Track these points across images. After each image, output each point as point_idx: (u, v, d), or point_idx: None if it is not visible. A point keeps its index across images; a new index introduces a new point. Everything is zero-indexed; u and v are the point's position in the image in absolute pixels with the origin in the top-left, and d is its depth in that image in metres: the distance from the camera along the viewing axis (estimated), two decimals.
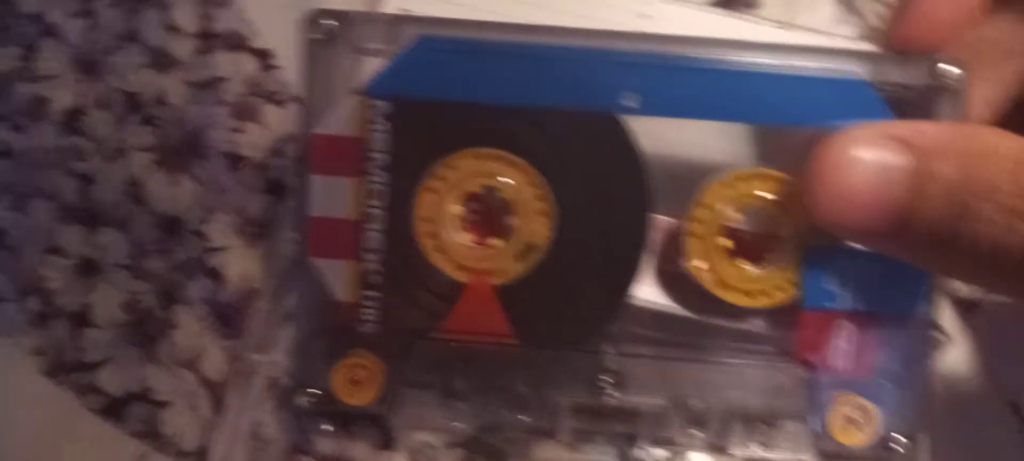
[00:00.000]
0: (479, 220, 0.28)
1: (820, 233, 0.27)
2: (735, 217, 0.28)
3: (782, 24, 0.34)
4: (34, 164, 0.34)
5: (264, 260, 0.33)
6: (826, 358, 0.28)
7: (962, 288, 0.32)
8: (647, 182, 0.28)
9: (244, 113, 0.34)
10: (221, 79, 0.35)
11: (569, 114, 0.27)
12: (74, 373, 0.33)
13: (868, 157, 0.23)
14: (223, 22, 0.35)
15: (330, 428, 0.31)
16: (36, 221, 0.34)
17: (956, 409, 0.32)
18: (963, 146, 0.23)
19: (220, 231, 0.34)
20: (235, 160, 0.34)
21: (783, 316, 0.28)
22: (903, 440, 0.28)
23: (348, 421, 0.31)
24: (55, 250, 0.34)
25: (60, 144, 0.34)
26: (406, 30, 0.27)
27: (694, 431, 0.28)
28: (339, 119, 0.28)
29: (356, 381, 0.28)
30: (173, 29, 0.35)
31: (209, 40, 0.35)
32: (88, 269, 0.34)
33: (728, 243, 0.28)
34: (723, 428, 0.28)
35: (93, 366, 0.33)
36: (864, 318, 0.28)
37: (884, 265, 0.27)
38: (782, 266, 0.28)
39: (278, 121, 0.34)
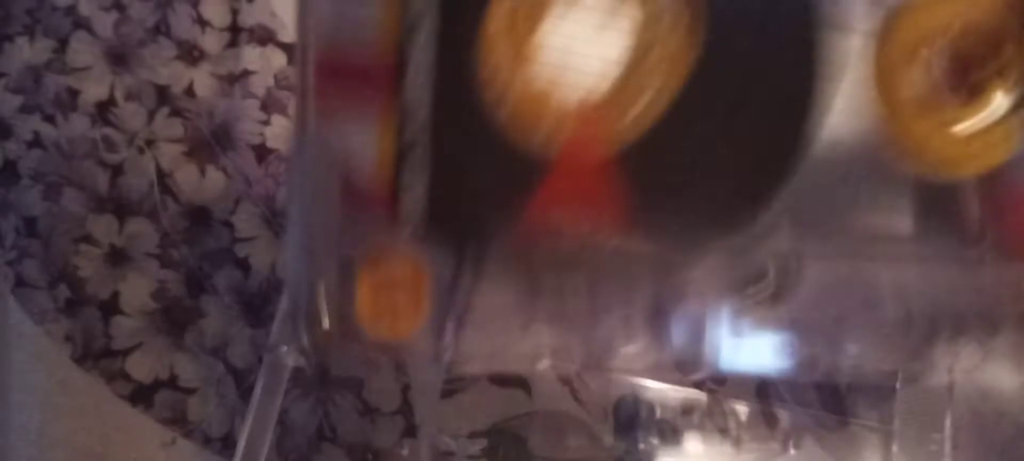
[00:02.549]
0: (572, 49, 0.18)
1: None
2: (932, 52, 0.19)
3: None
4: (66, 154, 0.35)
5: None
6: None
7: None
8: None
9: (272, 106, 0.35)
10: (249, 72, 0.35)
11: None
12: (103, 360, 0.33)
13: None
14: (251, 16, 0.36)
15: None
16: (67, 210, 0.34)
17: (980, 396, 0.32)
18: None
19: (247, 222, 0.34)
20: (263, 152, 0.35)
21: (994, 189, 0.20)
22: None
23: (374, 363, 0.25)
24: (86, 239, 0.34)
25: (91, 135, 0.35)
26: None
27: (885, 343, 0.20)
28: None
29: (390, 305, 0.19)
30: (203, 23, 0.36)
31: (238, 34, 0.35)
32: (118, 258, 0.34)
33: (926, 81, 0.19)
34: (922, 343, 0.20)
35: (122, 353, 0.33)
36: None
37: None
38: (997, 117, 0.19)
39: None
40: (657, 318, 0.19)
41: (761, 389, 0.32)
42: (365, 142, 0.18)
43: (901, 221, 0.20)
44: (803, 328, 0.19)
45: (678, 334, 0.19)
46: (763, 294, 0.19)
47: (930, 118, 0.19)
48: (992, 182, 0.19)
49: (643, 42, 0.18)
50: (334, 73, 0.18)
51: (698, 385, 0.32)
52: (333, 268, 0.19)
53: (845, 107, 0.19)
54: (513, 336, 0.20)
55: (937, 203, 0.19)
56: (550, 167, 0.19)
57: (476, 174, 0.19)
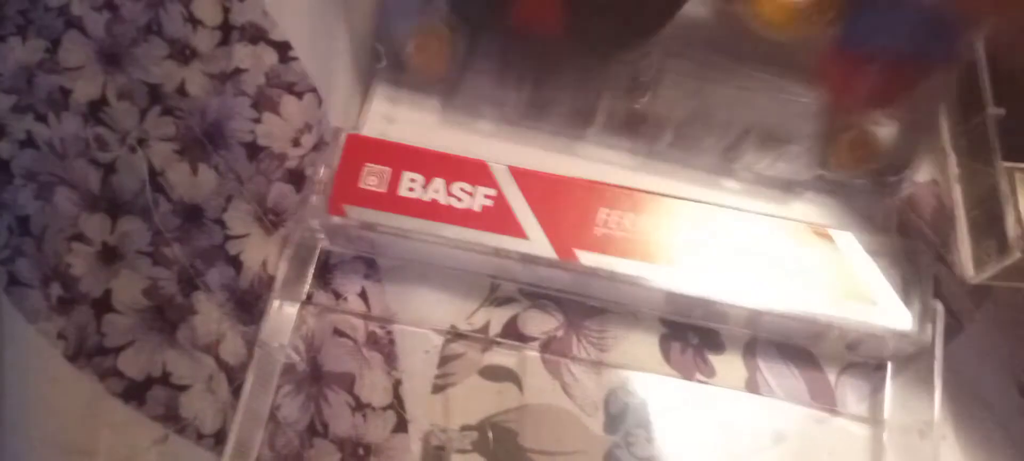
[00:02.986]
0: None
1: None
2: None
3: None
4: (58, 154, 0.35)
5: (282, 248, 0.34)
6: (849, 90, 0.29)
7: (974, 275, 0.32)
8: None
9: (263, 104, 0.35)
10: (241, 70, 0.35)
11: None
12: (96, 357, 0.34)
13: None
14: (243, 15, 0.36)
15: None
16: (60, 209, 0.34)
17: (967, 389, 0.32)
18: None
19: (239, 219, 0.34)
20: (254, 150, 0.35)
21: (816, 47, 0.29)
22: (898, 177, 0.31)
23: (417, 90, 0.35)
24: (78, 237, 0.34)
25: (83, 134, 0.35)
26: None
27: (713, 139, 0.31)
28: None
29: (428, 49, 0.33)
30: (194, 22, 0.36)
31: (229, 32, 0.36)
32: (110, 256, 0.34)
33: None
34: (737, 140, 0.31)
35: (115, 351, 0.34)
36: (894, 59, 0.29)
37: (921, 13, 0.28)
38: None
39: (296, 112, 0.35)
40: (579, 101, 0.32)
41: (751, 382, 0.32)
42: None
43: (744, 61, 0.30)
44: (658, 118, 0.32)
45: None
46: (638, 89, 0.31)
47: None
48: (816, 42, 0.29)
49: None
50: None
51: (689, 377, 0.33)
52: (401, 31, 0.33)
53: None
54: (493, 88, 0.33)
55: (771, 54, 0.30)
56: None
57: None
